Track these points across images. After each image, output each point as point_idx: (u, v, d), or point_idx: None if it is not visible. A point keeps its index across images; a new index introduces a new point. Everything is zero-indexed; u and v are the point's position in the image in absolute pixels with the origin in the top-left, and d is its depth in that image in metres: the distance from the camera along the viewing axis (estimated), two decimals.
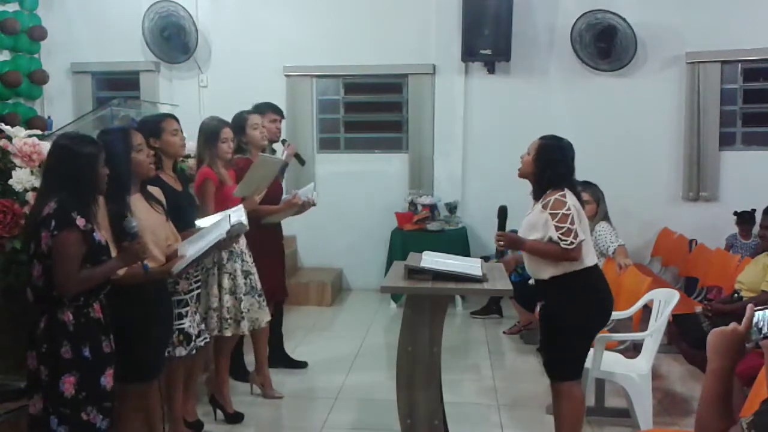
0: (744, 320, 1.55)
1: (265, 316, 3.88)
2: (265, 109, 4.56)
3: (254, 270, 3.83)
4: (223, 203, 3.66)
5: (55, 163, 2.54)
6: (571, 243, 3.03)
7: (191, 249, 2.88)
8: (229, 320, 3.68)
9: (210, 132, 3.75)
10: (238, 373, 4.46)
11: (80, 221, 2.42)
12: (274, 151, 4.67)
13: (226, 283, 3.67)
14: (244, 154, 4.09)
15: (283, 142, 4.76)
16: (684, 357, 4.30)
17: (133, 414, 2.93)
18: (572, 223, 3.04)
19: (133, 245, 2.58)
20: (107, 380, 2.52)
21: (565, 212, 3.05)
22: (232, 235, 3.15)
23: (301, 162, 4.91)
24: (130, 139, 2.87)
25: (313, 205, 4.36)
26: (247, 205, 3.66)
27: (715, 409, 1.54)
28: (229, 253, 3.67)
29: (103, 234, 2.57)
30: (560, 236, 3.03)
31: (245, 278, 3.75)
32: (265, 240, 4.12)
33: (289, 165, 4.72)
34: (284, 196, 4.37)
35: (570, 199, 3.10)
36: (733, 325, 1.56)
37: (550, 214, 3.06)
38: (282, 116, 4.69)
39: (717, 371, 1.55)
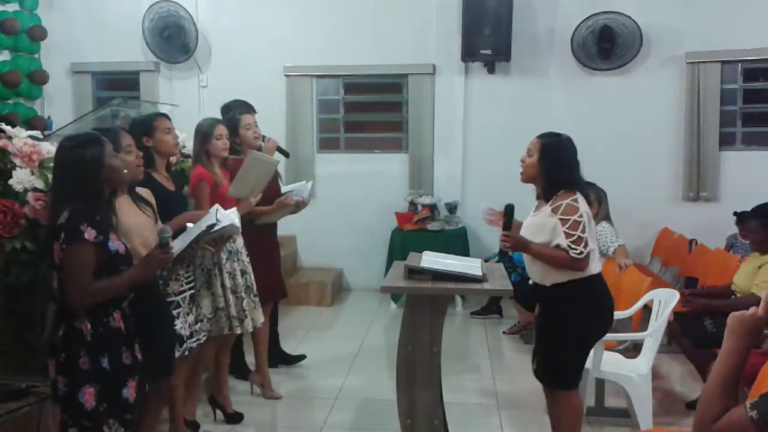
0: (761, 305, 1.58)
1: (260, 317, 3.87)
2: (246, 108, 4.43)
3: (249, 269, 3.82)
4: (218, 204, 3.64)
5: (60, 170, 2.48)
6: (581, 252, 2.89)
7: (178, 244, 2.81)
8: (236, 319, 3.67)
9: (204, 131, 3.75)
10: (240, 371, 4.47)
11: (90, 233, 2.33)
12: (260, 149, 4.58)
13: (228, 282, 3.66)
14: (238, 155, 4.05)
15: (263, 138, 4.72)
16: (685, 354, 4.29)
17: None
18: (583, 231, 2.90)
19: (159, 253, 2.50)
20: (130, 392, 2.45)
21: (577, 219, 2.91)
22: (224, 236, 3.11)
23: (285, 154, 4.86)
24: (119, 141, 2.74)
25: (306, 205, 4.28)
26: (242, 206, 3.64)
27: (721, 387, 1.55)
28: (228, 253, 3.66)
29: (120, 239, 2.50)
30: (570, 244, 2.89)
31: (242, 277, 3.75)
32: (261, 240, 4.09)
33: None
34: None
35: (582, 204, 2.97)
36: (753, 309, 1.59)
37: (561, 219, 2.92)
38: (254, 111, 4.52)
39: (730, 350, 1.57)
